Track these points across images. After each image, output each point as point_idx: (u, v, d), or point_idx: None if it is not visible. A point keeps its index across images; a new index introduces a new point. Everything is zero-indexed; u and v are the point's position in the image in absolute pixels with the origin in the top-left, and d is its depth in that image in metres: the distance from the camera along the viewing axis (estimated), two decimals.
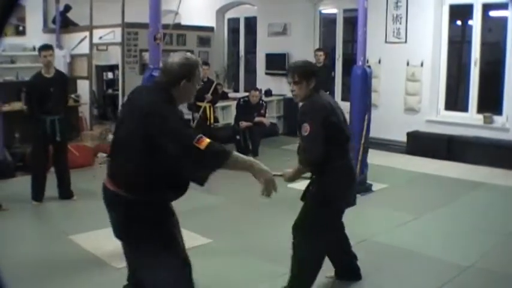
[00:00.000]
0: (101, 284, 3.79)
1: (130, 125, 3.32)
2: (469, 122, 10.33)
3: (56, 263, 5.10)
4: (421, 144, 10.42)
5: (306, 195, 4.46)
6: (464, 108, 10.64)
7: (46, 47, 7.31)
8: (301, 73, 4.26)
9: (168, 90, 3.35)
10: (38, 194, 7.27)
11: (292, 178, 4.38)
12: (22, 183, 7.89)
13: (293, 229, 4.41)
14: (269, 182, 3.26)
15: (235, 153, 3.26)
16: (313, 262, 4.38)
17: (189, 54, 3.52)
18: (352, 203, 4.54)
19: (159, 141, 3.14)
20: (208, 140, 3.12)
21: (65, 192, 7.48)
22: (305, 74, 4.27)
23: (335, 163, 4.23)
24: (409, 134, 10.67)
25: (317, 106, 4.20)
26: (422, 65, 10.70)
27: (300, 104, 4.37)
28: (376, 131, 9.47)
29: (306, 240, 4.31)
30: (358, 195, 7.35)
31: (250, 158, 3.33)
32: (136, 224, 3.30)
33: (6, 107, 9.79)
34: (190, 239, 5.73)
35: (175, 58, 3.41)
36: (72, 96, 10.13)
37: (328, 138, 4.13)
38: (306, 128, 4.11)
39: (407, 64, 10.85)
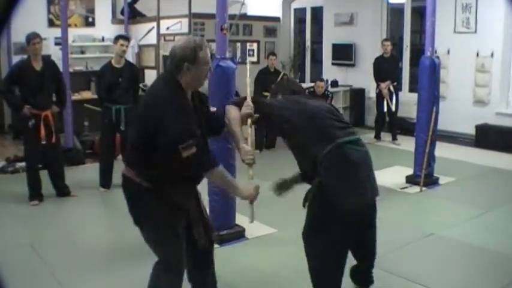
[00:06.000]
0: None
1: (138, 117, 3.39)
2: None
3: (123, 248, 5.21)
4: (491, 137, 10.14)
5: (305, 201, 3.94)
6: None
7: (124, 37, 7.66)
8: None
9: (175, 77, 3.25)
10: (105, 181, 7.43)
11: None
12: (91, 170, 8.10)
13: (302, 237, 3.96)
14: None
15: (221, 168, 3.34)
16: (326, 272, 3.86)
17: (192, 36, 3.47)
18: (365, 198, 3.77)
19: (153, 134, 3.17)
20: (193, 151, 3.09)
21: None
22: None
23: (323, 153, 3.62)
24: (477, 127, 10.41)
25: None
26: (492, 55, 10.41)
27: None
28: (444, 123, 9.29)
29: (315, 251, 3.84)
30: (424, 189, 7.40)
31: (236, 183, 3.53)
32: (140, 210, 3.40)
33: (76, 96, 10.06)
34: (256, 229, 5.79)
35: (178, 42, 3.30)
36: (140, 85, 10.29)
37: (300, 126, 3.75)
38: None
39: (477, 55, 10.58)
